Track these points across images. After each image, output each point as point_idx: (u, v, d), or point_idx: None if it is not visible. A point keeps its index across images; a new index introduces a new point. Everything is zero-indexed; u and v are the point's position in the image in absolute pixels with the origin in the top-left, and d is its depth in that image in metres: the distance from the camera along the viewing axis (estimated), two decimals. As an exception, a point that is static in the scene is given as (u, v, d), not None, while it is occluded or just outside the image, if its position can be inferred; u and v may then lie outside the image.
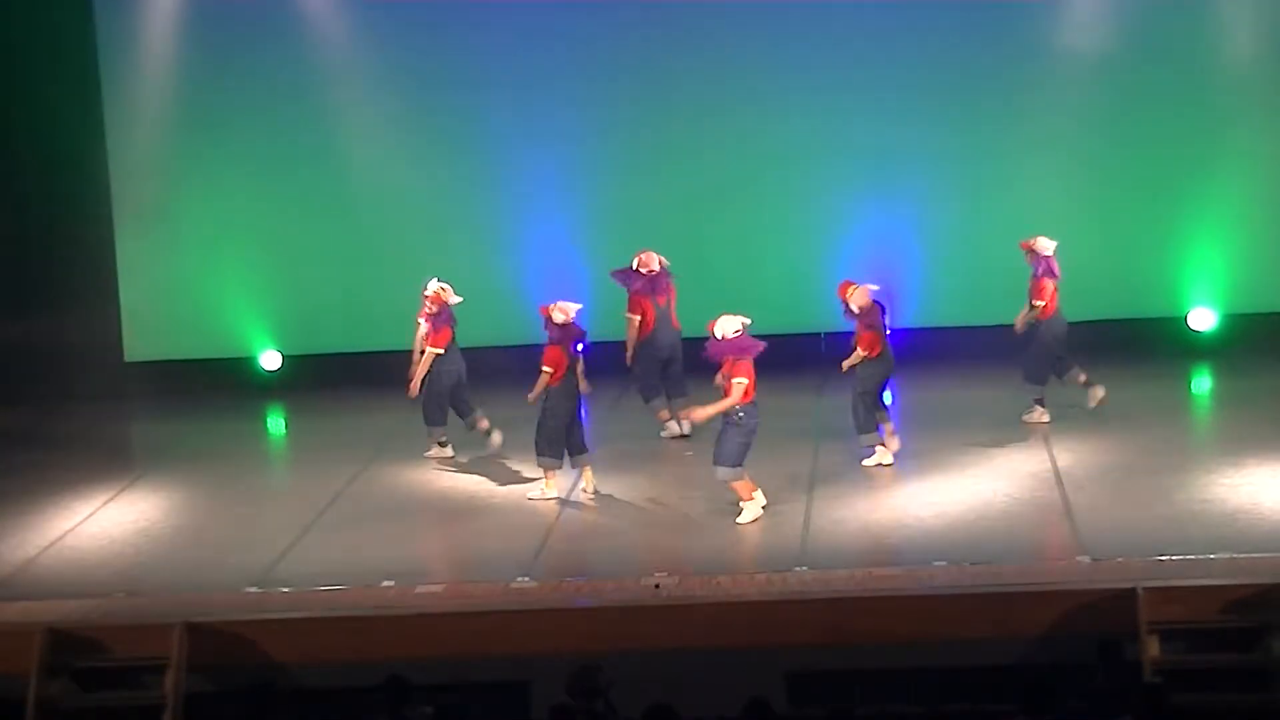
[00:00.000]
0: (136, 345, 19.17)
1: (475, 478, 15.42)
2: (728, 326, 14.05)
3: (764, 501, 14.14)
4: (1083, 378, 16.21)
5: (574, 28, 18.63)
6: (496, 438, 16.10)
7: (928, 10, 18.32)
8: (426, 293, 15.77)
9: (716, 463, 14.10)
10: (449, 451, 16.14)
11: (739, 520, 14.03)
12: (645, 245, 16.39)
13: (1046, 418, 16.07)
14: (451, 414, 16.08)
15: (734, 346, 14.00)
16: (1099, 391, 16.22)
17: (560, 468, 14.90)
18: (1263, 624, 11.90)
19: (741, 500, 14.10)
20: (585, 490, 14.95)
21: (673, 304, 16.32)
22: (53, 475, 16.35)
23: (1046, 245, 15.93)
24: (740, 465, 14.06)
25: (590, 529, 14.35)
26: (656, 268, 16.25)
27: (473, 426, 16.11)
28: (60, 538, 14.66)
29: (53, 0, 18.69)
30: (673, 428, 16.38)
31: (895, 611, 12.36)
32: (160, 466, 16.71)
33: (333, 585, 13.14)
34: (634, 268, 16.27)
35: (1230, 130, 18.24)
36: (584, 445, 15.01)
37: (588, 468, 15.02)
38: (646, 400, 16.51)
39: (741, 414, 13.96)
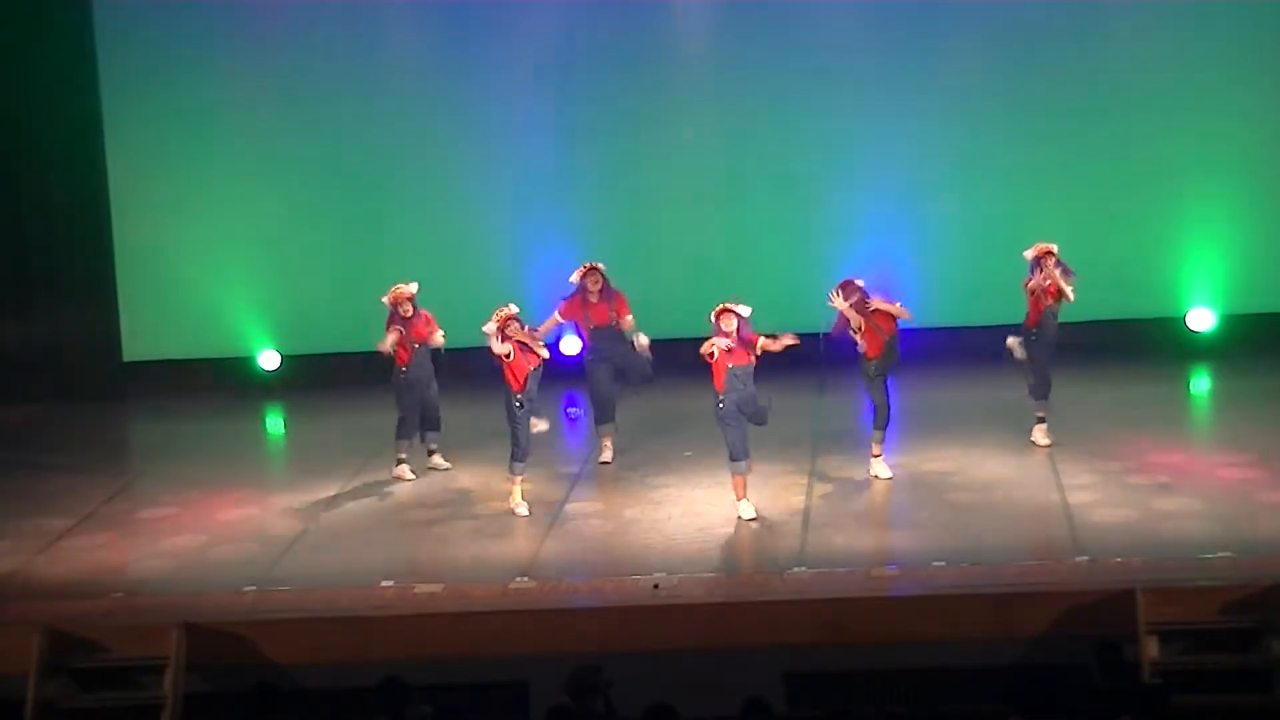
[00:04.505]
0: (135, 345, 19.14)
1: (474, 478, 15.41)
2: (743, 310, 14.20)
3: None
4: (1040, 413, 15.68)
5: (571, 23, 18.60)
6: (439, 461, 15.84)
7: (928, 8, 18.31)
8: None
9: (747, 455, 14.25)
10: (407, 474, 15.70)
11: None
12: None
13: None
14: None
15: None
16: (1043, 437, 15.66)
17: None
18: (1262, 625, 11.93)
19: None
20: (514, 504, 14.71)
21: (619, 313, 15.52)
22: (52, 475, 16.35)
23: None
24: None
25: (589, 529, 14.33)
26: (583, 280, 15.47)
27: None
28: (60, 538, 14.66)
29: (52, -1, 18.74)
30: (605, 453, 15.74)
31: (894, 611, 12.39)
32: (159, 466, 16.71)
33: (331, 585, 13.14)
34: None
35: (1229, 130, 18.21)
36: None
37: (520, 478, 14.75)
38: (597, 423, 15.86)
39: None
